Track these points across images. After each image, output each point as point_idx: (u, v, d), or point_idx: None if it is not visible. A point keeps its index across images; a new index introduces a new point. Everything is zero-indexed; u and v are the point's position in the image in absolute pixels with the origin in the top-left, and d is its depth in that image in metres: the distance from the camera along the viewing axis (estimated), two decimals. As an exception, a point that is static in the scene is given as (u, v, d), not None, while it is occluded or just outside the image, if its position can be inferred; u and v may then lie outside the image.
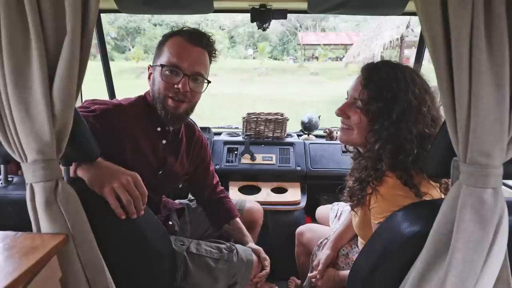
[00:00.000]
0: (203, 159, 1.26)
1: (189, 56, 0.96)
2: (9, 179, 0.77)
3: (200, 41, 0.98)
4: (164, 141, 1.06)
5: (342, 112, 0.94)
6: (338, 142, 1.89)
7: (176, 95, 0.97)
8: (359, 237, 1.05)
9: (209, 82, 1.03)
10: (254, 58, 22.08)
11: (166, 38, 1.00)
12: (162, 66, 0.96)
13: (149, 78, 1.04)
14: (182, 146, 1.14)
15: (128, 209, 0.75)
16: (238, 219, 1.29)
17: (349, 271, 0.88)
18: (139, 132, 1.00)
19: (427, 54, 1.58)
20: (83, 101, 1.00)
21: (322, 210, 1.54)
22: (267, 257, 1.16)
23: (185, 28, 1.00)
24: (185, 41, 0.97)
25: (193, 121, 1.28)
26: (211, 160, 1.33)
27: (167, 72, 0.96)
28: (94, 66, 1.59)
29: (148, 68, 1.04)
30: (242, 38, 24.44)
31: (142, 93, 1.07)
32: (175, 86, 0.96)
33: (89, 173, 0.76)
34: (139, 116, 1.01)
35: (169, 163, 1.09)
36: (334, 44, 20.24)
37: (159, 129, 1.05)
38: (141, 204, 0.77)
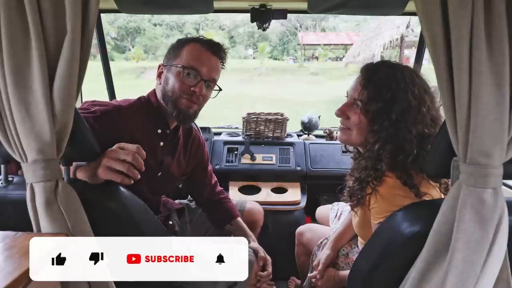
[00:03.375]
0: (201, 159, 1.26)
1: (209, 62, 1.01)
2: (9, 179, 0.76)
3: (218, 51, 1.03)
4: (162, 143, 1.07)
5: (342, 112, 0.94)
6: (338, 142, 1.89)
7: (190, 97, 1.00)
8: (359, 237, 1.05)
9: (220, 89, 1.08)
10: (254, 58, 22.05)
11: (183, 43, 1.03)
12: (183, 67, 0.98)
13: (158, 76, 1.05)
14: (179, 146, 1.14)
15: (132, 174, 0.77)
16: (239, 219, 1.29)
17: (349, 271, 0.88)
18: (138, 133, 1.00)
19: (427, 54, 1.58)
20: (82, 102, 1.00)
21: (322, 210, 1.54)
22: (268, 257, 1.15)
23: (202, 37, 1.05)
24: (205, 48, 1.01)
25: None
26: (209, 160, 1.33)
27: (185, 74, 0.99)
28: (94, 66, 1.59)
29: (159, 66, 1.05)
30: (242, 38, 24.41)
31: (144, 94, 1.07)
32: (192, 88, 0.99)
33: (86, 172, 0.77)
34: (139, 117, 1.01)
35: (166, 163, 1.09)
36: (334, 44, 20.23)
37: (159, 131, 1.05)
38: (139, 158, 0.78)
